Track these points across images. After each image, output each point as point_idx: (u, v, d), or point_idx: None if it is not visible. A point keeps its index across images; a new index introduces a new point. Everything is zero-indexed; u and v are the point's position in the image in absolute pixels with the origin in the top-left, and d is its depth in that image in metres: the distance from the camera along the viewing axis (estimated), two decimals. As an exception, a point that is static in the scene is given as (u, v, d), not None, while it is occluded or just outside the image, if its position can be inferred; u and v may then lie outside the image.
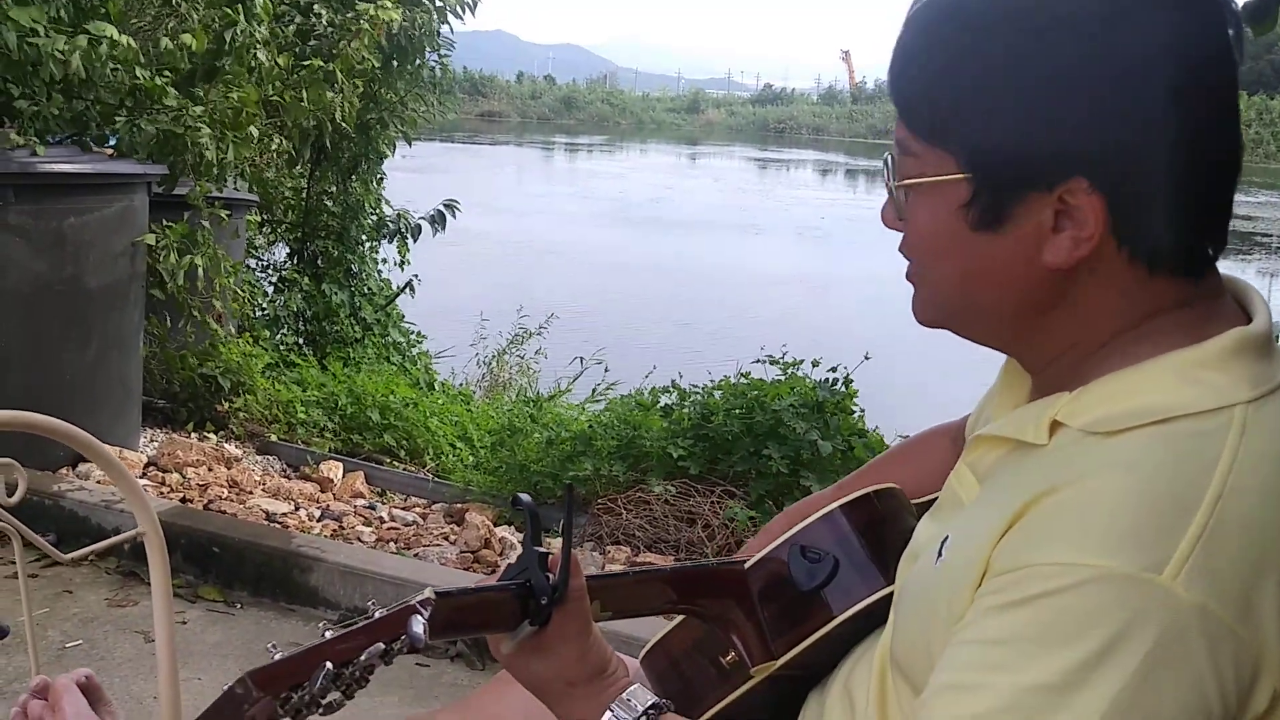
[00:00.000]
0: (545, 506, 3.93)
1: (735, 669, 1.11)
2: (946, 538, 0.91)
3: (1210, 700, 0.73)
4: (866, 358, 4.03)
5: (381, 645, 0.82)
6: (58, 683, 1.28)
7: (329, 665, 0.80)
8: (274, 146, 5.06)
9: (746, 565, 1.14)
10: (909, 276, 0.96)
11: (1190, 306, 0.86)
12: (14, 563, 1.29)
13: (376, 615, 0.85)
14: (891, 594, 1.06)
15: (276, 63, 4.47)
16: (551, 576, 0.92)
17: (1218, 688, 0.73)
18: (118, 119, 3.88)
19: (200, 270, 4.29)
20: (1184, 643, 0.73)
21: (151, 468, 4.01)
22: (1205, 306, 0.87)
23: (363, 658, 0.81)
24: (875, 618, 1.09)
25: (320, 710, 0.82)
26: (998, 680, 0.76)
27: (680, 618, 1.18)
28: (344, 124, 5.44)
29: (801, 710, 1.13)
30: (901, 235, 0.95)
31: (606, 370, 6.00)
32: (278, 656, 0.83)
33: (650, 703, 0.95)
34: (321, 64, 5.00)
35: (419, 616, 0.83)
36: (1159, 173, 0.82)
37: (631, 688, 0.96)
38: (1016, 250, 0.86)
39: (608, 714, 0.93)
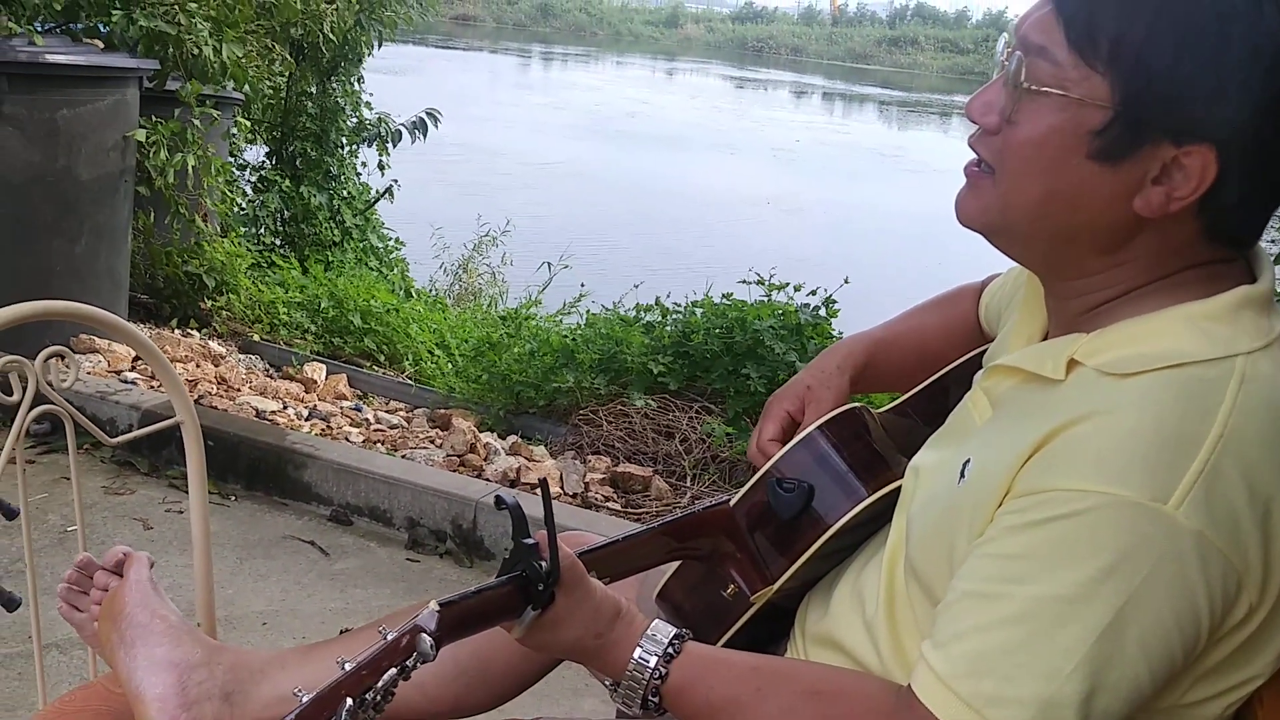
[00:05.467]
0: (528, 416, 4.04)
1: (736, 600, 1.19)
2: (968, 460, 0.99)
3: (1200, 609, 0.85)
4: (846, 281, 4.11)
5: (395, 670, 0.89)
6: (123, 554, 1.38)
7: (350, 700, 0.86)
8: (268, 49, 5.04)
9: (731, 503, 1.22)
10: (973, 170, 0.98)
11: (1207, 265, 0.94)
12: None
13: (389, 637, 0.90)
14: (880, 500, 1.15)
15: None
16: (545, 563, 0.96)
17: (1207, 599, 0.85)
18: (113, 11, 3.87)
19: (190, 169, 4.31)
20: (1181, 562, 0.84)
21: (139, 362, 4.06)
22: (1219, 265, 0.95)
23: (380, 683, 0.88)
24: (869, 525, 1.18)
25: None
26: (1016, 591, 0.86)
27: (678, 564, 1.24)
28: (331, 34, 5.43)
29: (800, 608, 1.21)
30: (984, 129, 0.95)
31: (583, 287, 6.02)
32: (304, 699, 0.87)
33: (673, 634, 0.99)
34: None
35: (426, 636, 0.90)
36: (1275, 170, 0.89)
37: (654, 623, 1.00)
38: (1115, 188, 0.90)
39: (638, 650, 0.98)
